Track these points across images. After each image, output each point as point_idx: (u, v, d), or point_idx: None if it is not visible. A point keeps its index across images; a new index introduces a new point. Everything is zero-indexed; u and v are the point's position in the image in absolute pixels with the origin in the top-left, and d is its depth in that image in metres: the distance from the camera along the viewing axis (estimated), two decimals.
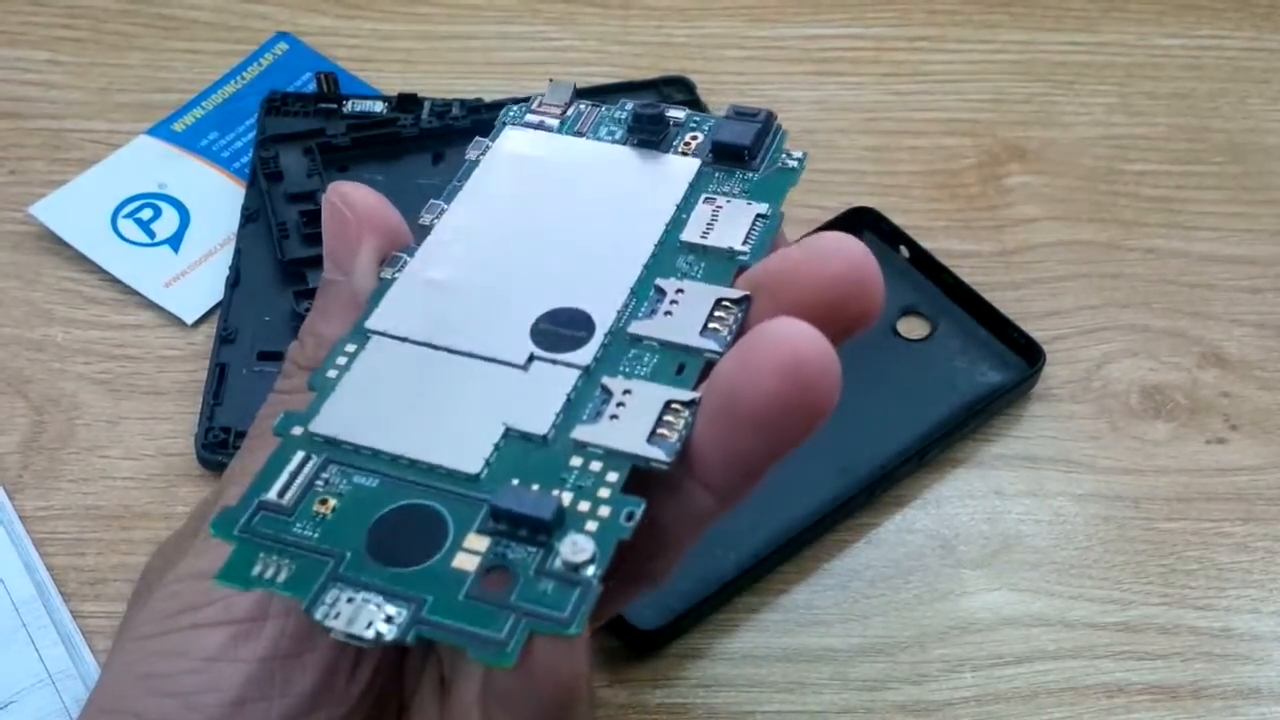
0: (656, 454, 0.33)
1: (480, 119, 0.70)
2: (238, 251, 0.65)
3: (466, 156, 0.42)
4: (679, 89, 0.72)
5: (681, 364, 0.35)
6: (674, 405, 0.34)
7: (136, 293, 0.64)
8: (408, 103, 0.70)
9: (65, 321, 0.64)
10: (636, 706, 0.53)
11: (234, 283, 0.64)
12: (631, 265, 0.38)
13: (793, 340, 0.31)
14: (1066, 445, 0.61)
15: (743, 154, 0.40)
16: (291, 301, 0.62)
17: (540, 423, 0.34)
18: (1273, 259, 0.68)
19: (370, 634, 0.31)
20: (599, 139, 0.42)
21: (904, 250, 0.65)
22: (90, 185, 0.68)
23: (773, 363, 0.31)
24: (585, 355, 0.36)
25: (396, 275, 0.39)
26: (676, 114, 0.42)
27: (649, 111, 0.41)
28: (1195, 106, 0.75)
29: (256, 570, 0.33)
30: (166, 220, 0.67)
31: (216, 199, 0.68)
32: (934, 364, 0.62)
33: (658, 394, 0.34)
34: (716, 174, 0.40)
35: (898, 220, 0.66)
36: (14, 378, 0.62)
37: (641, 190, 0.40)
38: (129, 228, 0.66)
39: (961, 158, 0.72)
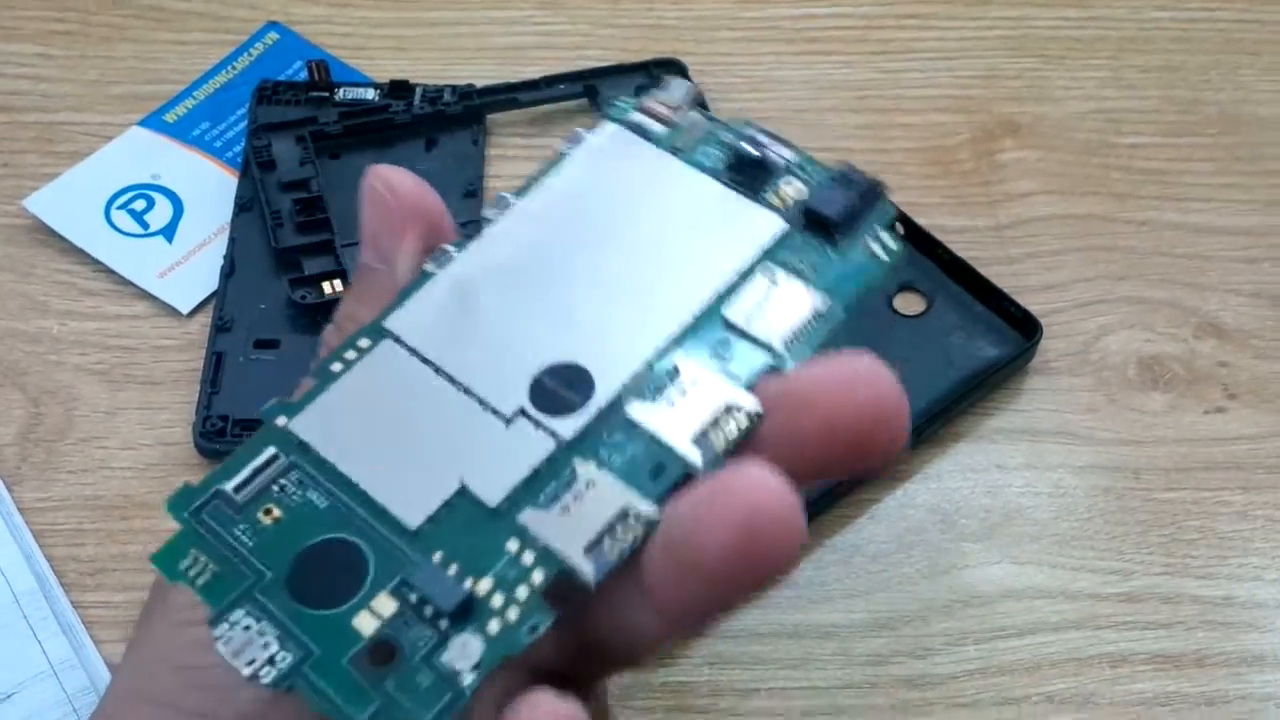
0: (585, 569, 0.31)
1: (472, 104, 0.70)
2: (232, 240, 0.65)
3: (557, 148, 0.40)
4: (670, 71, 0.72)
5: (661, 465, 0.33)
6: (629, 516, 0.32)
7: (131, 283, 0.65)
8: (399, 90, 0.70)
9: (61, 313, 0.64)
10: (641, 685, 0.53)
11: (229, 272, 0.64)
12: (660, 331, 0.35)
13: (756, 496, 0.29)
14: (1065, 418, 0.61)
15: (829, 227, 0.36)
16: (286, 289, 0.63)
17: (494, 493, 0.33)
18: (1267, 229, 0.68)
19: (248, 672, 0.30)
20: (696, 161, 0.39)
21: (899, 227, 0.65)
22: (83, 177, 0.68)
23: (731, 516, 0.29)
24: (569, 427, 0.33)
25: (436, 273, 0.37)
26: (786, 154, 0.38)
27: (752, 154, 0.38)
28: (1187, 79, 0.75)
29: (183, 564, 0.32)
30: (160, 211, 0.67)
31: (209, 189, 0.68)
32: (931, 339, 0.62)
33: (618, 498, 0.32)
34: (799, 239, 0.37)
35: (893, 197, 0.65)
36: (10, 370, 0.62)
37: (712, 242, 0.37)
38: (123, 219, 0.66)
39: (955, 134, 0.72)
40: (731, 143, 0.39)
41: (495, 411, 0.34)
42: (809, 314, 0.35)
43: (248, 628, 0.31)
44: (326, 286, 0.63)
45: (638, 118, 0.40)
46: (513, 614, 0.31)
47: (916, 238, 0.65)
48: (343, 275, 0.63)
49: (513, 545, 0.32)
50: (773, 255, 0.36)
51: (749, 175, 0.38)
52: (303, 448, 0.34)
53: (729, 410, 0.33)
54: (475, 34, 0.76)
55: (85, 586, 0.56)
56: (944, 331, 0.62)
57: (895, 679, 0.54)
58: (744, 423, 0.33)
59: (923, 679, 0.54)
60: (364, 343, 0.36)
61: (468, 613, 0.31)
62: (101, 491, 0.58)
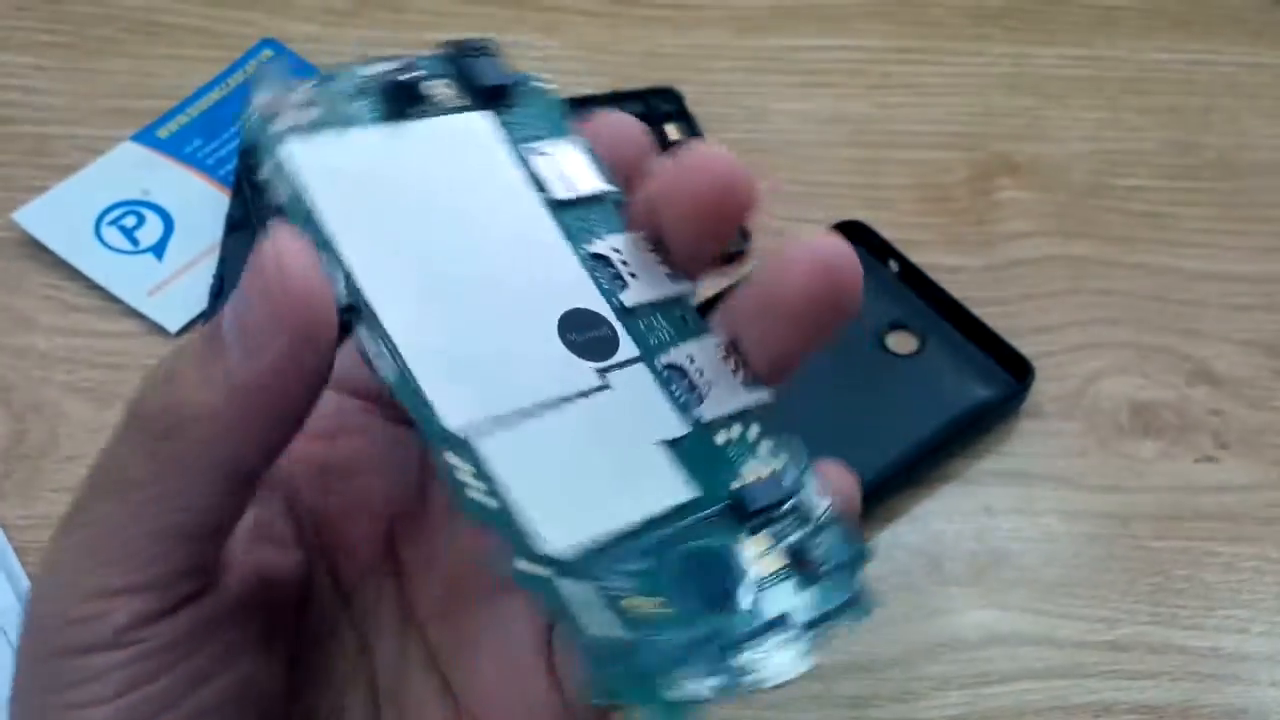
0: (761, 395, 0.35)
1: None
2: (221, 260, 0.65)
3: (275, 200, 0.33)
4: (666, 99, 0.72)
5: (682, 315, 0.36)
6: (723, 350, 0.36)
7: (120, 301, 0.64)
8: None
9: (48, 329, 0.63)
10: None
11: (218, 291, 0.64)
12: (557, 248, 0.36)
13: (831, 248, 0.34)
14: (1055, 462, 0.61)
15: (502, 93, 0.37)
16: None
17: (674, 424, 0.34)
18: (1263, 276, 0.68)
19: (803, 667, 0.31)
20: (366, 123, 0.35)
21: (893, 264, 0.65)
22: (74, 192, 0.68)
23: (813, 261, 0.34)
24: (629, 348, 0.35)
25: (402, 363, 0.32)
26: (414, 70, 0.36)
27: (396, 80, 0.36)
28: (1186, 122, 0.75)
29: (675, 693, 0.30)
30: (150, 227, 0.66)
31: (200, 206, 0.67)
32: (923, 380, 0.62)
33: (709, 346, 0.36)
34: (502, 117, 0.37)
35: (886, 234, 0.65)
36: None
37: (471, 169, 0.36)
38: (112, 235, 0.66)
39: (951, 171, 0.71)
40: (369, 86, 0.36)
41: (591, 390, 0.35)
42: (585, 154, 0.37)
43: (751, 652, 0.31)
44: None
45: (288, 121, 0.35)
46: (776, 463, 0.35)
47: (910, 276, 0.64)
48: None
49: (722, 437, 0.35)
50: (517, 138, 0.37)
51: (405, 105, 0.36)
52: (596, 550, 0.32)
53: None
54: None
55: None
56: (936, 371, 0.62)
57: None
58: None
59: None
60: (488, 457, 0.32)
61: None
62: None
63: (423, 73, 0.36)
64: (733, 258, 0.64)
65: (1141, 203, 0.71)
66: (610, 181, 0.37)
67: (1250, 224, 0.70)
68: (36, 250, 0.65)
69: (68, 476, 0.59)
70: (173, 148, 0.70)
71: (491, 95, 0.37)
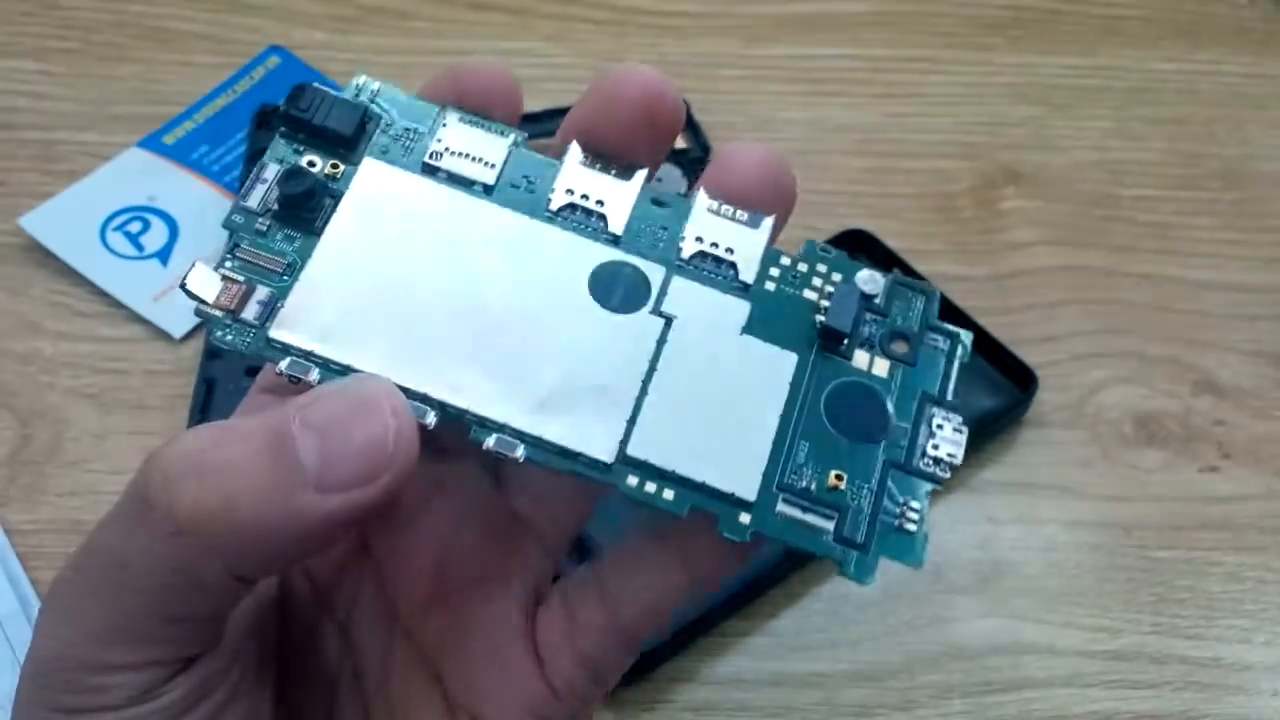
0: (768, 222, 0.36)
1: None
2: None
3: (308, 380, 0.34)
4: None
5: (660, 201, 0.36)
6: (714, 205, 0.36)
7: (125, 306, 0.64)
8: None
9: (53, 334, 0.63)
10: None
11: None
12: (531, 230, 0.35)
13: (762, 149, 0.37)
14: (1059, 472, 0.61)
15: (363, 126, 0.36)
16: None
17: (738, 307, 0.35)
18: (1268, 286, 0.68)
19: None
20: (297, 249, 0.35)
21: (897, 273, 0.64)
22: (79, 197, 0.67)
23: (758, 153, 0.37)
24: (655, 270, 0.35)
25: (528, 436, 0.33)
26: (288, 176, 0.35)
27: (285, 197, 0.35)
28: (1192, 132, 0.74)
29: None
30: (155, 233, 0.66)
31: (206, 212, 0.67)
32: None
33: (702, 214, 0.36)
34: (379, 145, 0.36)
35: (892, 243, 0.65)
36: (0, 390, 0.61)
37: (408, 224, 0.35)
38: (118, 240, 0.66)
39: (957, 180, 0.71)
40: (271, 215, 0.36)
41: (678, 343, 0.35)
42: (467, 124, 0.36)
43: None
44: None
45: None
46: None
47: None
48: None
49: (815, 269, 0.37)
50: (406, 157, 0.36)
51: (306, 211, 0.35)
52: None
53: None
54: None
55: None
56: None
57: None
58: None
59: None
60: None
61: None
62: (89, 515, 0.57)
63: (295, 170, 0.35)
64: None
65: (1146, 213, 0.71)
66: (504, 130, 0.36)
67: (1255, 234, 0.70)
68: (42, 256, 0.65)
69: (72, 481, 0.59)
70: (179, 154, 0.70)
71: (358, 136, 0.36)
